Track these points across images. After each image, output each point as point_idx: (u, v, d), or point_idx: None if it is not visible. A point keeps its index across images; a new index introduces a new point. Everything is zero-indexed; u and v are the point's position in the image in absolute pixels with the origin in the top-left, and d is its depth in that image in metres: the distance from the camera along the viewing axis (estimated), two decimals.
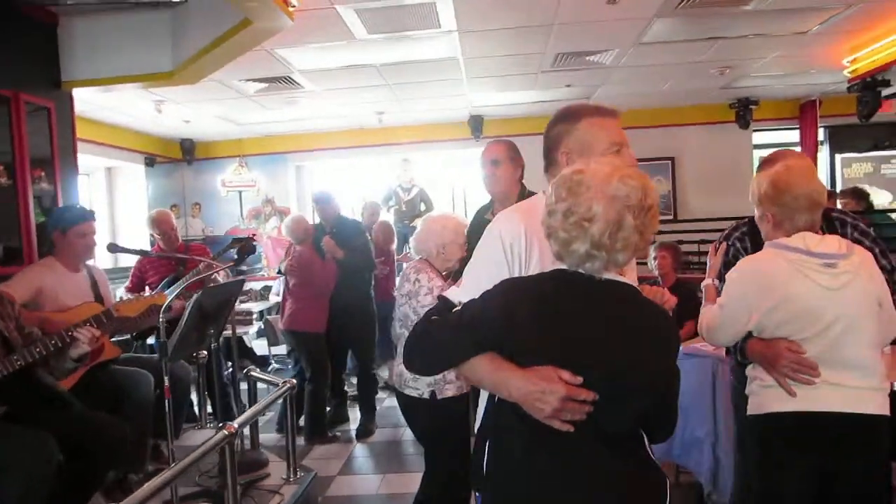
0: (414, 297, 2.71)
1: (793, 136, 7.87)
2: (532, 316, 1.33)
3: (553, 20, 4.36)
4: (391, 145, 7.90)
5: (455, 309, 1.46)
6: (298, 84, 5.66)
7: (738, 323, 2.00)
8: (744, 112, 7.51)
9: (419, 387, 2.68)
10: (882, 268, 2.14)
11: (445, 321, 1.43)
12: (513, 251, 1.57)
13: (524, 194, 2.91)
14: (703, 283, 2.22)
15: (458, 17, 4.18)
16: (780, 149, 2.46)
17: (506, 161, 2.91)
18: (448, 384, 2.67)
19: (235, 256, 3.08)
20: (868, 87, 5.81)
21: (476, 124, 7.62)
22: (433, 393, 2.66)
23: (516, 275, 1.53)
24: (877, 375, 1.91)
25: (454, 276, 3.06)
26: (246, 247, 3.09)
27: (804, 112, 7.62)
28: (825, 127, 7.83)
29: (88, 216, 3.22)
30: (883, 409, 1.91)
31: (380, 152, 8.07)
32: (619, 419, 1.34)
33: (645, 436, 1.41)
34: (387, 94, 6.24)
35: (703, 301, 2.22)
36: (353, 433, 4.81)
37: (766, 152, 8.86)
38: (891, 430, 1.94)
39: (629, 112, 7.45)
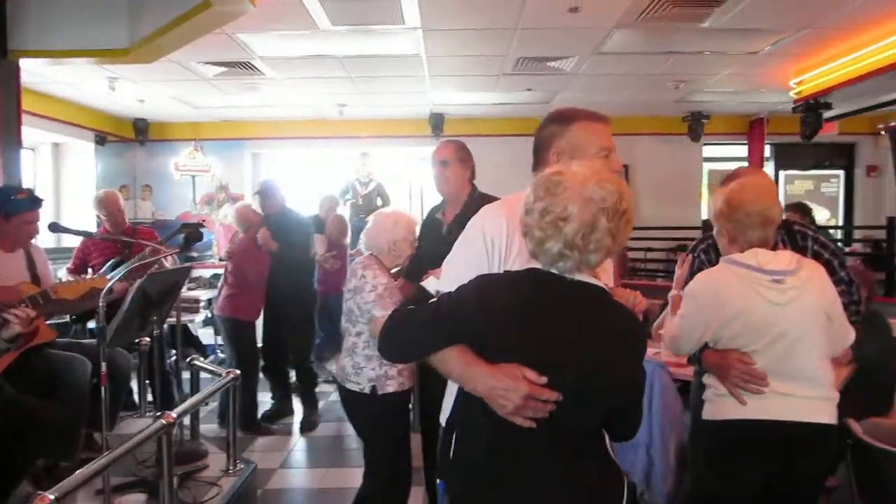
0: (359, 292, 2.70)
1: (741, 151, 8.16)
2: (509, 313, 1.36)
3: (516, 24, 4.42)
4: (351, 138, 7.84)
5: (431, 300, 1.50)
6: (259, 70, 5.58)
7: (695, 334, 2.09)
8: (696, 125, 7.74)
9: (360, 381, 2.69)
10: (839, 280, 2.27)
11: (421, 311, 1.45)
12: (493, 245, 1.63)
13: (474, 195, 2.94)
14: (669, 294, 2.28)
15: (422, 15, 4.20)
16: (743, 165, 2.59)
17: (454, 162, 2.93)
18: (389, 380, 2.68)
19: (182, 243, 3.02)
20: (811, 108, 6.07)
21: (437, 122, 7.64)
22: (374, 388, 2.67)
23: (495, 269, 1.59)
24: (825, 386, 2.00)
25: (404, 273, 3.09)
26: (193, 234, 3.03)
27: (752, 129, 7.91)
28: (771, 144, 8.15)
29: (36, 205, 3.10)
30: (831, 418, 2.00)
31: (339, 145, 8.00)
32: (588, 418, 1.38)
33: (606, 434, 1.45)
34: (349, 86, 6.21)
35: (668, 311, 2.29)
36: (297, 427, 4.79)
37: (715, 165, 9.14)
38: (835, 437, 2.04)
39: None
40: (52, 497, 1.69)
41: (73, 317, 3.76)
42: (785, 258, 2.02)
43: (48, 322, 3.17)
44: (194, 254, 6.67)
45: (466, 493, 1.45)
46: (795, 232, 2.37)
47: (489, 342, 1.37)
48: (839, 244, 6.50)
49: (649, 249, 7.06)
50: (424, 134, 7.68)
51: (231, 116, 7.66)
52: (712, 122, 7.77)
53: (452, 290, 1.45)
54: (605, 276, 1.60)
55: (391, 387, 2.68)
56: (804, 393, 1.97)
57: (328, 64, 5.40)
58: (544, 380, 1.30)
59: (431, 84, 6.17)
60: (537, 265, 1.39)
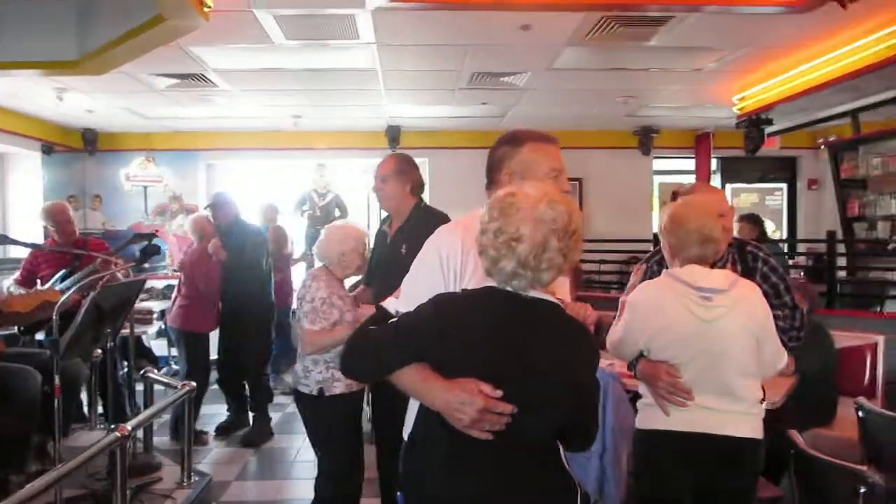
0: (304, 301, 2.80)
1: (689, 164, 8.45)
2: (465, 330, 1.42)
3: (469, 41, 4.54)
4: (307, 150, 7.84)
5: (391, 320, 1.55)
6: (213, 83, 5.56)
7: (633, 342, 2.19)
8: (646, 139, 8.02)
9: (309, 384, 2.78)
10: (783, 304, 2.37)
11: (380, 332, 1.50)
12: (449, 264, 1.66)
13: (419, 207, 2.98)
14: (620, 299, 2.36)
15: (376, 31, 4.27)
16: (694, 181, 2.73)
17: (392, 177, 2.95)
18: (336, 381, 2.76)
19: (138, 255, 3.01)
20: (754, 123, 6.37)
21: (393, 134, 7.71)
22: (321, 390, 2.76)
23: (451, 287, 1.64)
24: (748, 402, 2.07)
25: (364, 280, 3.15)
26: (150, 248, 3.03)
27: (699, 143, 8.22)
28: (718, 158, 8.46)
29: None
30: (754, 432, 2.08)
31: (295, 156, 7.99)
32: (540, 430, 1.43)
33: (561, 447, 1.50)
34: (304, 99, 6.23)
35: (617, 316, 2.35)
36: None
37: (665, 178, 9.37)
38: (760, 450, 2.10)
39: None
40: None
41: (22, 328, 3.68)
42: (719, 277, 2.10)
43: None
44: (146, 265, 6.55)
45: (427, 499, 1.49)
46: (747, 252, 2.46)
47: (446, 359, 1.42)
48: (785, 257, 6.80)
49: (603, 261, 7.24)
50: (381, 146, 7.73)
51: (184, 127, 7.58)
52: (661, 136, 8.05)
53: (411, 309, 1.49)
54: (561, 291, 1.66)
55: (338, 388, 2.76)
56: (727, 407, 2.06)
57: (283, 77, 5.42)
58: (499, 393, 1.36)
59: (388, 97, 6.24)
60: (493, 283, 1.44)
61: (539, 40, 4.53)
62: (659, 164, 8.52)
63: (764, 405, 2.20)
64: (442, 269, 1.67)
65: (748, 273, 2.39)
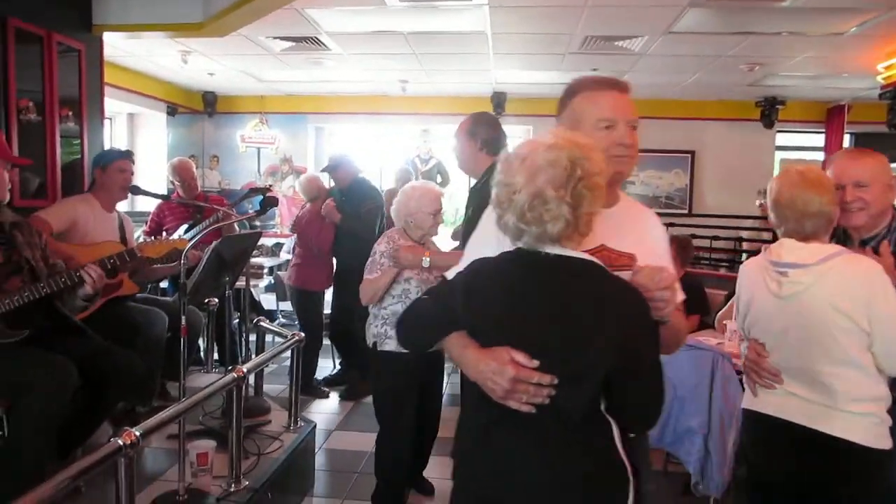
0: (370, 256, 2.96)
1: (818, 139, 7.82)
2: (491, 295, 1.33)
3: (585, 1, 4.35)
4: (412, 115, 7.90)
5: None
6: (325, 46, 5.67)
7: (736, 317, 2.11)
8: (769, 111, 7.46)
9: (369, 336, 2.96)
10: None
11: (425, 301, 1.46)
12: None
13: (492, 168, 2.88)
14: None
15: None
16: (844, 149, 2.45)
17: (462, 136, 2.89)
18: (388, 339, 2.89)
19: (258, 207, 3.15)
20: None
21: (499, 101, 7.61)
22: (375, 343, 2.92)
23: (505, 247, 1.49)
24: (845, 396, 1.82)
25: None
26: (270, 199, 3.16)
27: (831, 116, 7.56)
28: (851, 133, 7.77)
29: (126, 154, 3.44)
30: (858, 436, 1.81)
31: (401, 121, 8.08)
32: (581, 403, 1.28)
33: (615, 425, 1.32)
34: (412, 62, 6.24)
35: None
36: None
37: (789, 154, 8.76)
38: (872, 462, 1.82)
39: (653, 102, 7.41)
40: (137, 433, 1.82)
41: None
42: (810, 251, 1.89)
43: None
44: (257, 223, 6.88)
45: (459, 479, 1.42)
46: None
47: (475, 326, 1.34)
48: None
49: (716, 238, 6.87)
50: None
51: (295, 91, 7.82)
52: (787, 109, 7.47)
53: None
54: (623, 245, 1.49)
55: (388, 346, 2.88)
56: (817, 399, 1.85)
57: (393, 40, 5.44)
58: (535, 363, 1.25)
59: (495, 62, 6.14)
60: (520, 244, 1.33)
61: (660, 0, 4.27)
62: (782, 139, 7.93)
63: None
64: (497, 233, 1.54)
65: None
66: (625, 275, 1.38)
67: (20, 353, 2.28)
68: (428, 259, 2.79)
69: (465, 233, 2.85)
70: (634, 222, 1.60)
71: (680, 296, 1.52)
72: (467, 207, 2.88)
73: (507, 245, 1.38)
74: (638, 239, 1.54)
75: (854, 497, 1.87)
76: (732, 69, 6.07)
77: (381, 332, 2.91)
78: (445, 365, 3.50)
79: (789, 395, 1.90)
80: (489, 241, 1.47)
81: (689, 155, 7.76)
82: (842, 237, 2.27)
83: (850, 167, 2.17)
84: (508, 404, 1.27)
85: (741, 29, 4.87)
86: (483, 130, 2.85)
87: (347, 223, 4.63)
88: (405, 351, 2.73)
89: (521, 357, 1.26)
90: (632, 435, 1.38)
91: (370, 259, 2.96)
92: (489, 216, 1.47)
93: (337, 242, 4.74)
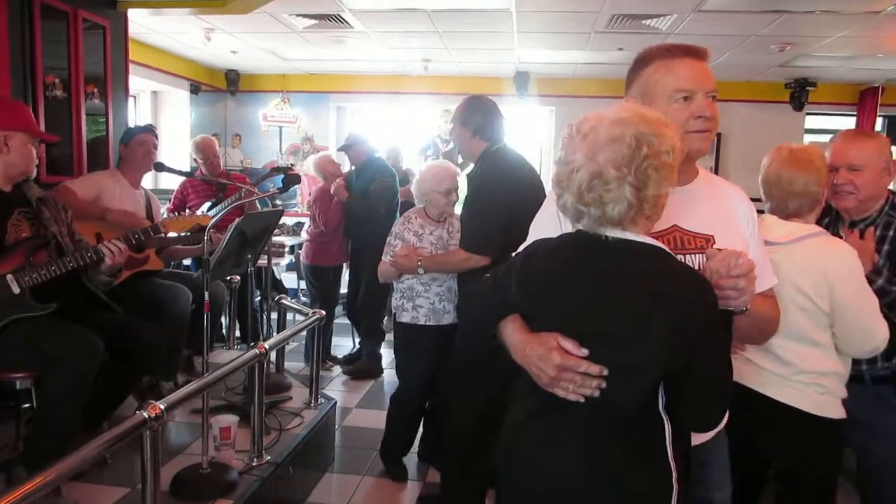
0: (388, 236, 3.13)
1: (849, 122, 7.61)
2: (547, 278, 1.27)
3: None
4: (434, 94, 7.84)
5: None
6: (348, 24, 5.62)
7: None
8: (799, 93, 7.27)
9: (392, 307, 3.19)
10: None
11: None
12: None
13: (489, 152, 2.85)
14: None
15: None
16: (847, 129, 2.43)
17: (456, 123, 2.89)
18: (404, 311, 3.11)
19: (281, 185, 3.17)
20: None
21: (522, 81, 7.51)
22: (395, 315, 3.14)
23: (566, 230, 1.42)
24: (789, 366, 1.91)
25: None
26: (292, 176, 3.17)
27: (864, 98, 7.35)
28: (884, 116, 7.56)
29: (146, 128, 3.52)
30: (806, 404, 1.90)
31: (423, 101, 8.03)
32: (631, 397, 1.19)
33: (668, 424, 1.22)
34: (436, 41, 6.18)
35: None
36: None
37: (818, 137, 8.57)
38: (818, 429, 1.91)
39: None
40: (162, 407, 1.84)
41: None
42: (788, 230, 1.93)
43: None
44: (279, 202, 6.91)
45: (501, 466, 1.37)
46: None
47: (528, 309, 1.29)
48: None
49: None
50: (509, 92, 7.59)
51: (317, 69, 7.79)
52: (818, 91, 7.27)
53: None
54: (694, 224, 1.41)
55: (405, 318, 3.11)
56: (770, 367, 1.93)
57: (417, 18, 5.38)
58: (584, 351, 1.18)
59: (519, 40, 6.05)
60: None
61: None
62: (812, 122, 7.74)
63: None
64: (558, 214, 1.45)
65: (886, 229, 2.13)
66: (700, 261, 1.31)
67: (49, 327, 2.32)
68: (422, 268, 2.95)
69: (461, 219, 2.91)
70: (715, 200, 1.48)
71: (769, 281, 1.47)
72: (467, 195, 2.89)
73: (567, 227, 1.32)
74: (718, 219, 1.43)
75: (805, 462, 1.97)
76: (763, 49, 5.91)
77: (399, 305, 3.13)
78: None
79: (747, 362, 1.96)
80: (551, 222, 1.42)
81: (715, 136, 7.62)
82: (834, 218, 2.25)
83: (846, 150, 2.16)
84: (555, 392, 1.21)
85: (774, 7, 4.73)
86: (475, 117, 2.83)
87: (353, 202, 4.68)
88: (420, 323, 3.06)
89: (569, 344, 1.19)
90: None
91: (388, 240, 3.08)
92: (552, 195, 1.40)
93: (349, 221, 4.80)
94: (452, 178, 3.09)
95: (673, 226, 1.39)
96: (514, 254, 1.43)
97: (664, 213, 1.30)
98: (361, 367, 4.92)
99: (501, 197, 2.67)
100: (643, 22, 5.27)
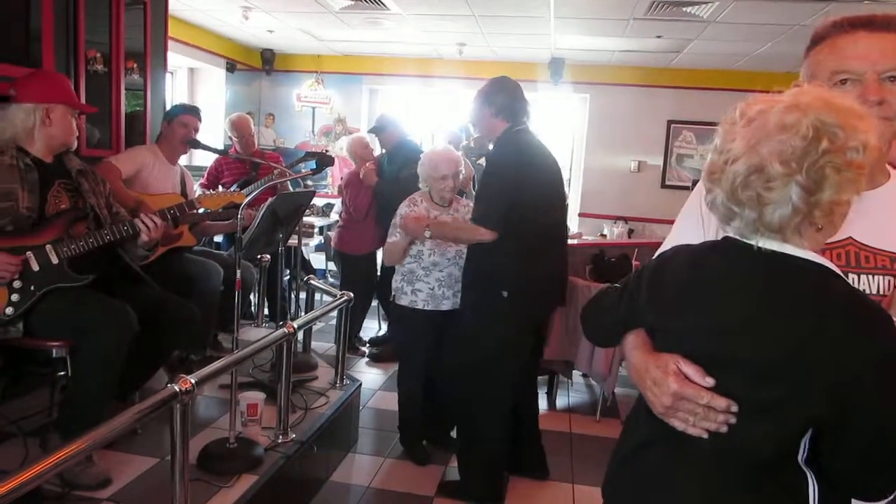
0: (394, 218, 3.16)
1: None
2: (671, 292, 1.10)
3: None
4: (468, 79, 7.78)
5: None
6: (384, 5, 5.60)
7: None
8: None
9: (393, 289, 3.23)
10: None
11: (615, 289, 1.25)
12: (711, 217, 1.21)
13: (508, 132, 2.84)
14: None
15: None
16: None
17: (478, 100, 2.89)
18: (403, 294, 3.17)
19: (314, 166, 3.18)
20: None
21: (557, 67, 7.41)
22: (394, 296, 3.19)
23: (710, 236, 1.21)
24: None
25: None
26: (326, 158, 3.19)
27: None
28: None
29: (191, 110, 3.56)
30: None
31: (456, 85, 7.97)
32: (763, 442, 0.97)
33: (814, 481, 0.99)
34: (471, 25, 6.11)
35: None
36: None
37: None
38: None
39: (718, 73, 7.12)
40: (193, 381, 1.87)
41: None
42: None
43: None
44: (310, 183, 6.95)
45: (606, 496, 1.21)
46: None
47: (656, 323, 1.12)
48: None
49: None
50: (543, 79, 7.50)
51: (352, 51, 7.79)
52: None
53: None
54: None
55: (403, 300, 3.16)
56: None
57: (453, 1, 5.33)
58: (710, 381, 0.98)
59: (556, 26, 5.96)
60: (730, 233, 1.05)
61: None
62: None
63: None
64: (700, 214, 1.25)
65: None
66: (881, 284, 1.10)
67: (85, 298, 2.36)
68: (429, 231, 2.94)
69: (474, 200, 2.96)
70: None
71: None
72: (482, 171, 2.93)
73: (712, 230, 1.15)
74: None
75: None
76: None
77: (399, 287, 3.18)
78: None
79: None
80: (692, 221, 1.25)
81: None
82: None
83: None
84: (672, 423, 1.03)
85: None
86: (499, 97, 2.83)
87: (383, 187, 4.57)
88: (419, 307, 3.11)
89: (690, 370, 1.00)
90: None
91: (392, 221, 3.14)
92: (698, 191, 1.19)
93: (379, 206, 4.68)
94: (449, 164, 3.10)
95: (848, 238, 1.15)
96: (654, 256, 1.25)
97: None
98: (386, 352, 4.93)
99: (511, 174, 2.73)
100: (684, 9, 5.14)
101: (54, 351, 2.39)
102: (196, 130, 3.50)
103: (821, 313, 0.94)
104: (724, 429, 0.98)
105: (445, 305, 3.14)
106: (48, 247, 2.36)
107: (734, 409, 0.97)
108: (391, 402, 4.07)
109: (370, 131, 4.99)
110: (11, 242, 2.30)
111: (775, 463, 0.98)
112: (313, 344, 4.19)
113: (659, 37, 6.06)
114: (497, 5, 5.39)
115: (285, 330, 2.61)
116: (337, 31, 6.71)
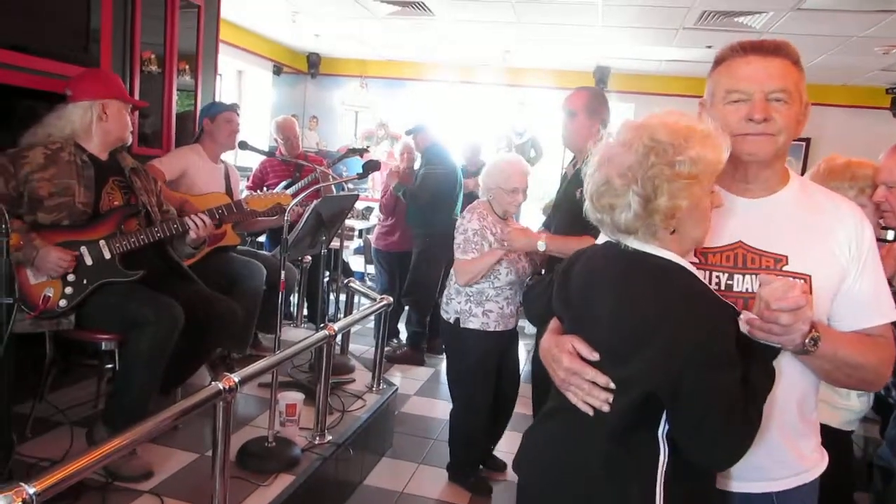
0: (461, 234, 2.85)
1: None
2: (574, 285, 1.29)
3: None
4: (511, 86, 7.77)
5: None
6: (430, 11, 5.62)
7: None
8: None
9: (449, 311, 2.93)
10: None
11: (544, 280, 1.51)
12: None
13: None
14: None
15: None
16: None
17: (582, 113, 2.70)
18: (472, 316, 2.86)
19: (361, 170, 3.20)
20: None
21: (602, 76, 7.33)
22: (458, 320, 2.89)
23: None
24: None
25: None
26: (372, 163, 3.21)
27: None
28: None
29: (234, 107, 3.57)
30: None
31: (499, 92, 7.96)
32: (620, 412, 1.14)
33: (666, 454, 1.14)
34: (516, 31, 6.10)
35: None
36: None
37: None
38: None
39: None
40: (236, 379, 1.89)
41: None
42: None
43: None
44: (350, 186, 7.01)
45: (519, 456, 1.38)
46: None
47: (562, 314, 1.33)
48: None
49: None
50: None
51: (396, 56, 7.85)
52: None
53: None
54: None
55: (473, 324, 2.86)
56: None
57: (500, 8, 5.32)
58: (596, 356, 1.17)
59: (603, 34, 5.90)
60: None
61: None
62: None
63: None
64: None
65: None
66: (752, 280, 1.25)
67: (134, 292, 2.42)
68: (544, 243, 2.56)
69: (564, 213, 2.73)
70: (805, 215, 1.28)
71: (877, 317, 1.26)
72: (570, 186, 2.72)
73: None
74: (802, 238, 1.25)
75: None
76: (865, 51, 5.56)
77: (466, 310, 2.86)
78: (523, 342, 3.48)
79: None
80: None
81: (803, 143, 7.24)
82: None
83: (890, 167, 2.01)
84: (567, 395, 1.22)
85: (882, 7, 4.43)
86: (604, 111, 2.74)
87: (402, 188, 4.79)
88: (490, 329, 2.84)
89: (582, 347, 1.19)
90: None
91: (461, 237, 2.81)
92: None
93: (413, 210, 4.82)
94: (521, 177, 2.85)
95: (738, 241, 1.26)
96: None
97: (728, 226, 1.26)
98: (402, 354, 4.95)
99: None
100: (735, 19, 5.04)
101: (104, 344, 2.45)
102: (238, 127, 3.54)
103: (663, 305, 1.10)
104: (605, 407, 1.14)
105: (511, 324, 2.92)
106: (101, 242, 2.42)
107: (612, 386, 1.14)
108: (425, 408, 4.07)
109: (407, 132, 5.13)
110: (66, 237, 2.37)
111: (626, 432, 1.14)
112: (351, 346, 4.22)
113: (709, 47, 5.95)
114: (544, 13, 5.36)
115: (326, 332, 2.62)
116: (382, 36, 6.76)
